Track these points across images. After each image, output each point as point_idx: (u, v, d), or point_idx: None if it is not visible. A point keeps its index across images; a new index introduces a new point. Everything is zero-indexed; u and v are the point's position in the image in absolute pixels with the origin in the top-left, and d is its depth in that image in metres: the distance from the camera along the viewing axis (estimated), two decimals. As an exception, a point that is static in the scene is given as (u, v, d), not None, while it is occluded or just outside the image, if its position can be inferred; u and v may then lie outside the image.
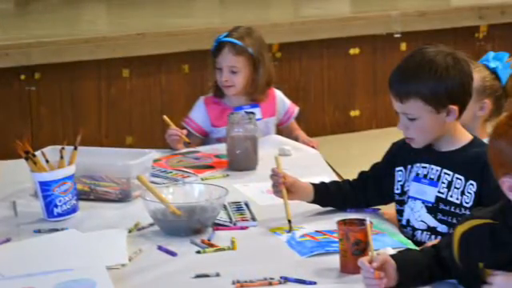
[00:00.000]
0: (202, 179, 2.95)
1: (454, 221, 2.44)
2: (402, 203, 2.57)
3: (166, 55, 4.68)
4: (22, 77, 4.48)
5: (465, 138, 2.51)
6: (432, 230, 2.49)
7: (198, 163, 3.13)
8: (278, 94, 3.55)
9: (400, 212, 2.57)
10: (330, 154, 3.43)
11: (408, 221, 2.54)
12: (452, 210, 2.46)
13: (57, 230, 2.52)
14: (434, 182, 2.49)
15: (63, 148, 2.65)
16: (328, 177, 2.84)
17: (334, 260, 2.22)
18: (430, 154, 2.51)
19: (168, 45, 4.66)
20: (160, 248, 2.37)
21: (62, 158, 2.64)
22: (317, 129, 4.91)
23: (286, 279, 2.15)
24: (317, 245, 2.35)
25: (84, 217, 2.64)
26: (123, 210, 2.68)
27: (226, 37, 3.39)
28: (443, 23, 5.11)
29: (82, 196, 2.73)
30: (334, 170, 3.06)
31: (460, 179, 2.46)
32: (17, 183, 2.88)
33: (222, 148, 3.18)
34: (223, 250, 2.35)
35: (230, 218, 2.57)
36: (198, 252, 2.34)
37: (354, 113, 5.15)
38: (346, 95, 5.12)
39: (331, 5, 5.65)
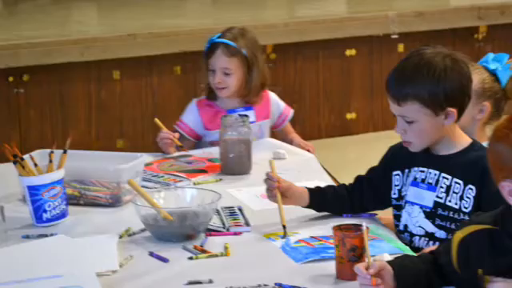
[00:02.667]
0: (195, 183, 2.93)
1: (453, 226, 2.43)
2: (399, 208, 2.55)
3: (157, 56, 4.68)
4: (10, 78, 4.47)
5: (464, 141, 2.49)
6: (430, 236, 2.48)
7: (191, 167, 3.11)
8: (273, 96, 3.53)
9: (397, 217, 2.56)
10: (326, 158, 3.42)
11: (405, 226, 2.53)
12: (450, 215, 2.45)
13: (46, 235, 2.50)
14: (432, 187, 2.47)
15: (52, 152, 2.64)
16: (323, 181, 2.84)
17: (330, 266, 2.21)
18: (428, 157, 2.49)
19: (160, 46, 4.66)
20: (151, 254, 2.35)
21: (51, 161, 2.63)
22: (312, 132, 4.91)
23: (280, 286, 2.13)
24: (312, 251, 2.33)
25: (73, 222, 2.62)
26: (114, 215, 2.67)
27: (218, 38, 3.38)
28: (441, 24, 5.12)
29: (72, 201, 2.71)
30: (329, 174, 3.05)
31: (459, 184, 2.44)
32: (4, 187, 2.85)
33: (214, 152, 3.16)
34: (216, 256, 2.34)
35: (223, 224, 2.56)
36: (191, 258, 2.33)
37: (350, 115, 5.14)
38: (342, 97, 5.11)
39: (327, 5, 5.64)
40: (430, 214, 2.47)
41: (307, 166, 3.12)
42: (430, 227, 2.47)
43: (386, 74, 2.48)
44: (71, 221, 2.62)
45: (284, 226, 2.47)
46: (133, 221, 2.49)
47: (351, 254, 2.15)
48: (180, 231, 2.43)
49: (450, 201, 2.45)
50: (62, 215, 2.61)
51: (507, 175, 1.93)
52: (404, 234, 2.52)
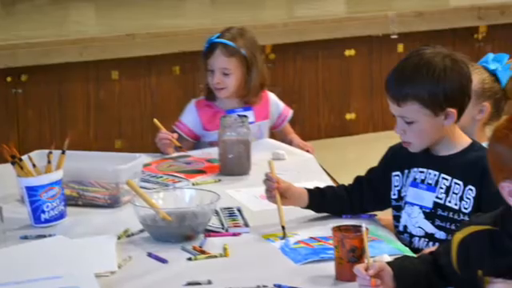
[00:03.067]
0: (194, 184, 2.92)
1: (453, 227, 2.42)
2: (398, 209, 2.54)
3: (156, 57, 4.66)
4: (9, 79, 4.45)
5: (464, 141, 2.48)
6: (430, 237, 2.47)
7: (189, 168, 3.10)
8: (272, 96, 3.52)
9: (397, 218, 2.55)
10: (325, 158, 3.42)
11: (405, 227, 2.52)
12: (450, 215, 2.44)
13: (44, 236, 2.49)
14: (431, 187, 2.46)
15: (50, 152, 2.63)
16: (323, 182, 2.82)
17: (329, 267, 2.20)
18: (427, 158, 2.48)
19: (158, 46, 4.64)
20: (150, 255, 2.35)
21: (49, 162, 2.62)
22: (311, 132, 4.90)
23: (279, 287, 2.12)
24: (311, 252, 2.32)
25: (72, 223, 2.61)
26: (112, 215, 2.66)
27: (217, 38, 3.37)
28: (441, 24, 5.10)
29: (70, 201, 2.70)
30: (328, 175, 3.04)
31: (458, 184, 2.43)
32: (3, 188, 2.84)
33: (213, 152, 3.15)
34: (215, 257, 2.33)
35: (222, 224, 2.55)
36: (190, 259, 2.32)
37: (350, 116, 5.13)
38: (342, 98, 5.10)
39: (326, 5, 5.62)
40: (430, 215, 2.46)
41: (306, 167, 3.11)
42: (429, 228, 2.46)
43: (386, 74, 2.48)
44: (70, 221, 2.61)
45: (283, 227, 2.46)
46: (131, 221, 2.49)
47: (351, 255, 2.14)
48: (179, 232, 2.42)
49: (449, 201, 2.44)
50: (61, 216, 2.61)
51: (507, 176, 1.92)
52: (403, 234, 2.51)
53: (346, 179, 2.68)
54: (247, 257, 2.34)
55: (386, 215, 2.62)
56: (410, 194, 2.49)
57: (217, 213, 2.58)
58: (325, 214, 2.60)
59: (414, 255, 2.25)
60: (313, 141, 4.25)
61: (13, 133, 4.46)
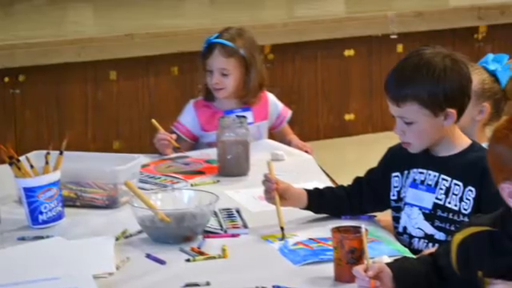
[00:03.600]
0: (192, 185, 2.92)
1: (452, 228, 2.41)
2: (398, 210, 2.54)
3: (154, 57, 4.66)
4: (6, 79, 4.44)
5: (463, 142, 2.48)
6: (429, 238, 2.46)
7: (188, 169, 3.10)
8: (271, 97, 3.52)
9: (396, 219, 2.54)
10: (324, 159, 3.41)
11: (405, 228, 2.51)
12: (450, 216, 2.44)
13: (42, 237, 2.49)
14: (431, 188, 2.46)
15: (48, 153, 2.63)
16: (322, 182, 2.82)
17: (329, 268, 2.20)
18: (427, 159, 2.48)
19: (157, 46, 4.63)
20: (148, 256, 2.34)
21: (47, 163, 2.62)
22: (310, 133, 4.89)
23: (278, 288, 2.12)
24: (310, 253, 2.32)
25: (70, 224, 2.61)
26: (110, 216, 2.66)
27: (216, 38, 3.36)
28: (441, 24, 5.09)
29: (68, 202, 2.70)
30: (328, 176, 3.05)
31: (458, 185, 2.43)
32: (0, 189, 2.83)
33: (212, 153, 3.15)
34: (214, 258, 2.33)
35: (221, 226, 2.54)
36: (188, 260, 2.32)
37: (349, 116, 5.12)
38: (341, 98, 5.09)
39: (326, 5, 5.61)
40: (430, 216, 2.45)
41: (305, 168, 3.11)
42: (429, 229, 2.45)
43: (385, 74, 2.47)
44: (67, 223, 2.61)
45: (282, 228, 2.45)
46: (129, 222, 2.48)
47: (350, 256, 2.14)
48: (177, 233, 2.42)
49: (449, 202, 2.43)
50: (59, 217, 2.60)
51: (507, 177, 1.92)
52: (403, 235, 2.51)
53: (345, 180, 2.67)
54: (246, 258, 2.33)
55: (386, 216, 2.62)
56: (410, 194, 2.49)
57: (215, 214, 2.58)
58: (324, 215, 2.60)
59: (414, 256, 2.24)
60: (312, 141, 4.25)
61: (10, 133, 4.45)
